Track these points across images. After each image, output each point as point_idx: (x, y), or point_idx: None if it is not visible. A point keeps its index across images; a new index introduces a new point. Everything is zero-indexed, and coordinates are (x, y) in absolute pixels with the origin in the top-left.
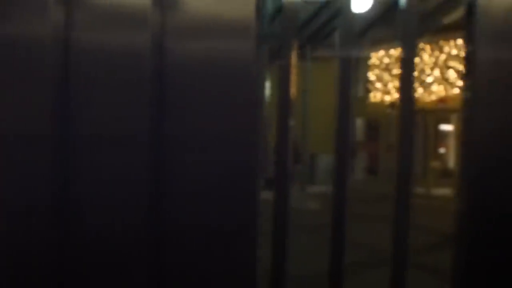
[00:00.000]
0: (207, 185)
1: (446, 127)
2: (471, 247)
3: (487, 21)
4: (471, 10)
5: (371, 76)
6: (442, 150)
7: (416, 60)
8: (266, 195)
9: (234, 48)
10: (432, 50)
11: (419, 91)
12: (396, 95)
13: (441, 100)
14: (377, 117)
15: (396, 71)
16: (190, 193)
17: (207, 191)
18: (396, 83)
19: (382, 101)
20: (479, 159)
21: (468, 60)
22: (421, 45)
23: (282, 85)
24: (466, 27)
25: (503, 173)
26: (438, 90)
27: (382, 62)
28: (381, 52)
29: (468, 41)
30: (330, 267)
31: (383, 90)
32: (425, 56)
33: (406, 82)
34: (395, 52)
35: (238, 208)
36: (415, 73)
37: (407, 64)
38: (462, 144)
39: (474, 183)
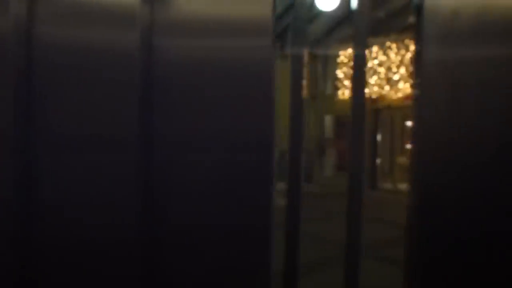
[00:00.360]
0: (218, 186)
1: None
2: (422, 239)
3: (433, 23)
4: (418, 12)
5: (340, 73)
6: (408, 146)
7: (383, 58)
8: None
9: (251, 46)
10: (398, 48)
11: (386, 89)
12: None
13: (408, 97)
14: (345, 114)
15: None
16: (202, 194)
17: (219, 192)
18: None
19: (350, 98)
20: (428, 155)
21: (416, 60)
22: (387, 43)
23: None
24: (415, 28)
25: (451, 169)
26: (404, 88)
27: (350, 60)
28: (350, 50)
29: (416, 42)
30: (285, 264)
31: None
32: (392, 55)
33: (358, 81)
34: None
35: (253, 209)
36: (383, 71)
37: (358, 63)
38: (412, 141)
39: (424, 178)
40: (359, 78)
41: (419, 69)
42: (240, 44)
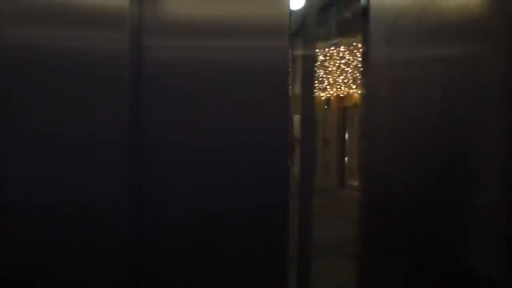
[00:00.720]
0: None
1: None
2: (373, 235)
3: (379, 24)
4: (365, 13)
5: None
6: None
7: (350, 58)
8: None
9: (268, 46)
10: None
11: (353, 88)
12: (331, 92)
13: None
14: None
15: (331, 68)
16: (200, 194)
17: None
18: (331, 80)
19: (318, 98)
20: (376, 154)
21: (364, 60)
22: (354, 43)
23: None
24: (362, 29)
25: (398, 167)
26: None
27: (317, 59)
28: (316, 50)
29: (363, 42)
30: None
31: (319, 87)
32: (358, 54)
33: (307, 82)
34: (330, 49)
35: (269, 207)
36: (350, 71)
37: (307, 64)
38: (361, 139)
39: (373, 177)
40: (308, 79)
41: (366, 69)
42: (266, 44)
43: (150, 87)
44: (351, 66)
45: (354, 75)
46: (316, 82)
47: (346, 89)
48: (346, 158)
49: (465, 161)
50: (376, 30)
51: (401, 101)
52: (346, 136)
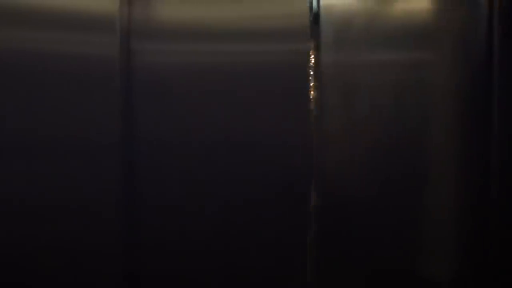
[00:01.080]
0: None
1: None
2: (325, 236)
3: (329, 30)
4: (315, 19)
5: None
6: None
7: None
8: None
9: (288, 50)
10: None
11: None
12: None
13: None
14: None
15: None
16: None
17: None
18: None
19: None
20: (327, 157)
21: (315, 66)
22: None
23: None
24: (313, 36)
25: (348, 170)
26: None
27: None
28: None
29: (314, 49)
30: None
31: None
32: None
33: None
34: None
35: (289, 213)
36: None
37: None
38: (315, 142)
39: (327, 177)
40: None
41: (317, 74)
42: (286, 47)
43: (142, 88)
44: None
45: None
46: None
47: None
48: None
49: (416, 164)
50: (327, 36)
51: (352, 106)
52: None
